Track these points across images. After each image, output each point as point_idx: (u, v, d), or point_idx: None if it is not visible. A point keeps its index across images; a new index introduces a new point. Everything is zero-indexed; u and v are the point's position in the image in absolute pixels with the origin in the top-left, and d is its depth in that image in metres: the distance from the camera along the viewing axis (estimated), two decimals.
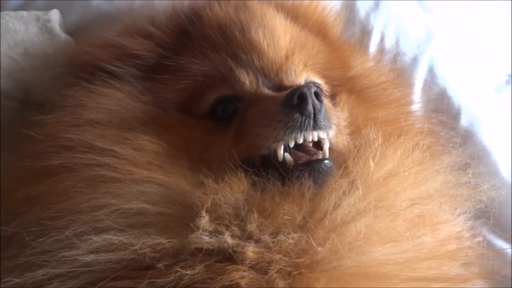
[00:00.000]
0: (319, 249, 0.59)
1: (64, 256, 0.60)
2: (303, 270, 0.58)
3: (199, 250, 0.60)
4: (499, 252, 0.90)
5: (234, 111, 0.75)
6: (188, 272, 0.58)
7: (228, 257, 0.60)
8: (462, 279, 0.66)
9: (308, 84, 0.75)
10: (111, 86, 0.77)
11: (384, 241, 0.63)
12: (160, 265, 0.59)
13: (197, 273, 0.58)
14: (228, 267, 0.58)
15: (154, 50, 0.80)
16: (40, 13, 0.89)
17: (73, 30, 0.94)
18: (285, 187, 0.65)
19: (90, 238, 0.60)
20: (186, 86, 0.77)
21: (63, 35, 0.90)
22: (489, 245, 0.88)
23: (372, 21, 1.08)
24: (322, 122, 0.69)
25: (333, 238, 0.60)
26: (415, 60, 1.06)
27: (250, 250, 0.59)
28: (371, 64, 0.99)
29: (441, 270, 0.64)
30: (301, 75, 0.80)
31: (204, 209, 0.61)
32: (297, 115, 0.67)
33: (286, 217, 0.61)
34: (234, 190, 0.64)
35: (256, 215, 0.62)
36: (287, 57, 0.80)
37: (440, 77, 1.05)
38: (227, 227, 0.61)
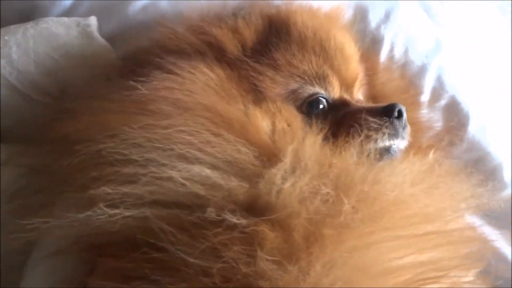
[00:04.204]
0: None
1: (156, 173, 0.61)
2: None
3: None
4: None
5: (322, 108, 0.86)
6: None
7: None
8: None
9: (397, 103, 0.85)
10: (196, 69, 0.79)
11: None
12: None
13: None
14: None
15: (238, 45, 0.86)
16: (80, 19, 0.97)
17: (109, 37, 1.00)
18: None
19: (185, 166, 0.62)
20: (285, 79, 0.85)
21: (100, 39, 0.97)
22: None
23: (382, 32, 1.13)
24: (404, 134, 0.83)
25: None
26: (423, 69, 1.10)
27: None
28: (388, 76, 1.05)
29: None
30: (358, 92, 0.94)
31: (286, 160, 0.65)
32: (398, 124, 0.81)
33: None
34: (312, 144, 0.70)
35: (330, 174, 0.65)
36: (357, 77, 0.93)
37: (448, 85, 1.09)
38: (301, 182, 0.63)
